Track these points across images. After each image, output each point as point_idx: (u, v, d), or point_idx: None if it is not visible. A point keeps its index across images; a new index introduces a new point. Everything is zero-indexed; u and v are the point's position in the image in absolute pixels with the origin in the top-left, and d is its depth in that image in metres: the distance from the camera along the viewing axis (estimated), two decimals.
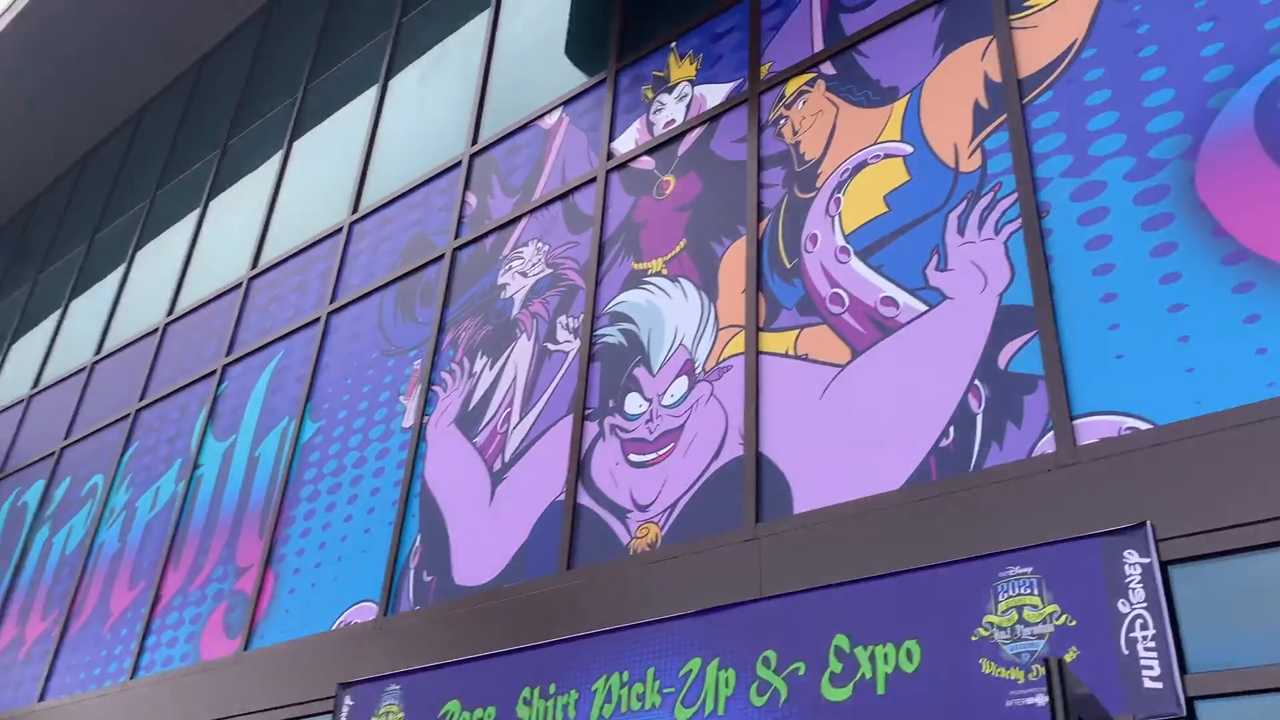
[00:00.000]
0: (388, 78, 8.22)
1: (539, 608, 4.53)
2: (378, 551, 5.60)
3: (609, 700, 4.02)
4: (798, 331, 4.36)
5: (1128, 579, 3.07)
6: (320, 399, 6.69)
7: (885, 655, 3.41)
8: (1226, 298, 3.29)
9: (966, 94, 4.32)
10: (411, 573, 5.32)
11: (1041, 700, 3.05)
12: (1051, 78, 4.07)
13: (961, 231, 4.03)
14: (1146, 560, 3.05)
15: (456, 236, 6.49)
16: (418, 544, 5.40)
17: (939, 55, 4.53)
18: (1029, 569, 3.26)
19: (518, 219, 6.14)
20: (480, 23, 7.58)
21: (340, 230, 7.60)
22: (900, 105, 4.55)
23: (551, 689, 4.23)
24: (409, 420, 5.94)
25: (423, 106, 7.66)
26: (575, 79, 6.44)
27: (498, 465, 5.28)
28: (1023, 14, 4.31)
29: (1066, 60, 4.06)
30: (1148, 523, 3.08)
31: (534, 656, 4.37)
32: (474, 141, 6.88)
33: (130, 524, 7.72)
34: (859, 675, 3.44)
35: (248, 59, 10.55)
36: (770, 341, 4.43)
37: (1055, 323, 3.60)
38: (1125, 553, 3.10)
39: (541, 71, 6.75)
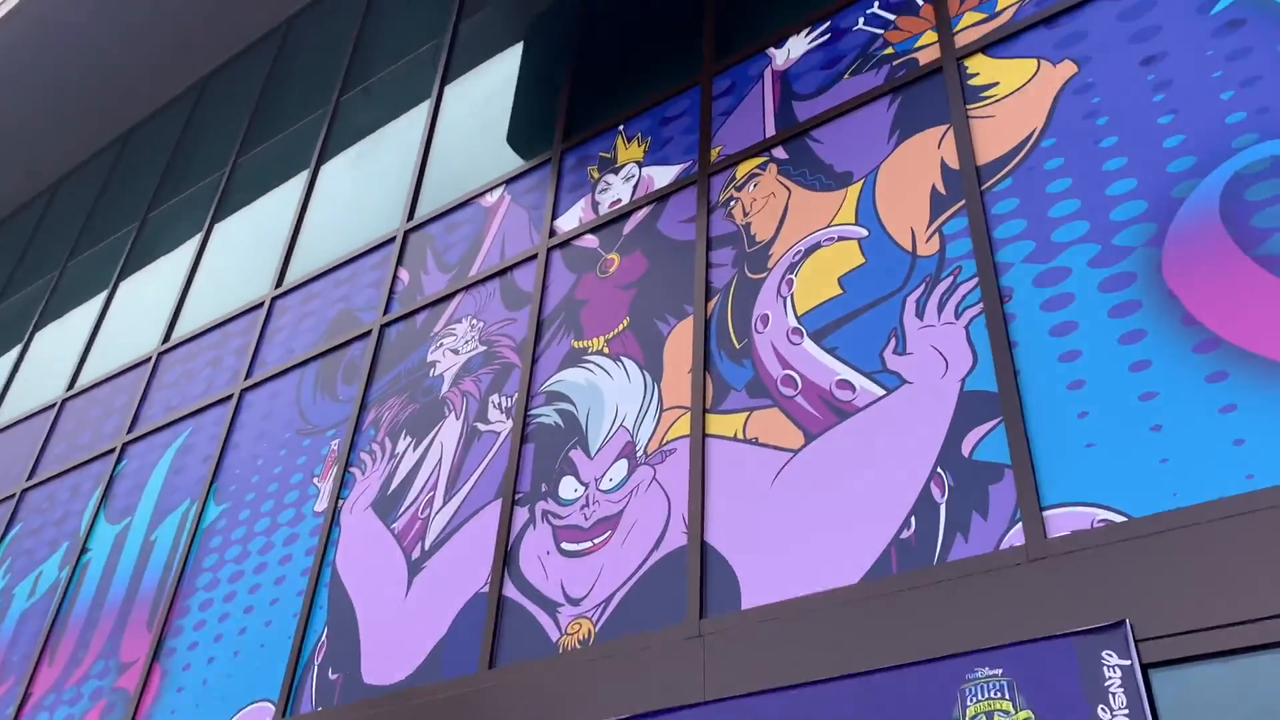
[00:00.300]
0: (322, 155, 7.99)
1: (456, 710, 4.11)
2: (279, 646, 5.12)
3: None
4: (747, 414, 4.13)
5: (1107, 682, 2.83)
6: (227, 480, 6.23)
7: None
8: (1200, 387, 3.16)
9: (923, 180, 4.23)
10: (315, 670, 4.85)
11: None
12: (1010, 165, 4.00)
13: (920, 315, 3.88)
14: (1127, 662, 2.82)
15: (386, 312, 6.19)
16: (324, 638, 4.94)
17: (894, 142, 4.46)
18: (999, 671, 3.01)
19: (452, 295, 5.87)
20: (422, 108, 7.44)
21: (261, 305, 7.24)
22: (854, 189, 4.44)
23: None
24: (322, 504, 5.53)
25: (357, 184, 7.42)
26: (519, 159, 6.28)
27: (416, 553, 4.89)
28: (980, 104, 4.27)
29: (1026, 148, 4.00)
30: (1126, 621, 2.86)
31: None
32: (410, 218, 6.65)
33: (4, 613, 7.04)
34: None
35: (176, 133, 10.25)
36: (717, 424, 4.19)
37: (1021, 409, 3.43)
38: (1104, 654, 2.87)
39: (484, 151, 6.59)
